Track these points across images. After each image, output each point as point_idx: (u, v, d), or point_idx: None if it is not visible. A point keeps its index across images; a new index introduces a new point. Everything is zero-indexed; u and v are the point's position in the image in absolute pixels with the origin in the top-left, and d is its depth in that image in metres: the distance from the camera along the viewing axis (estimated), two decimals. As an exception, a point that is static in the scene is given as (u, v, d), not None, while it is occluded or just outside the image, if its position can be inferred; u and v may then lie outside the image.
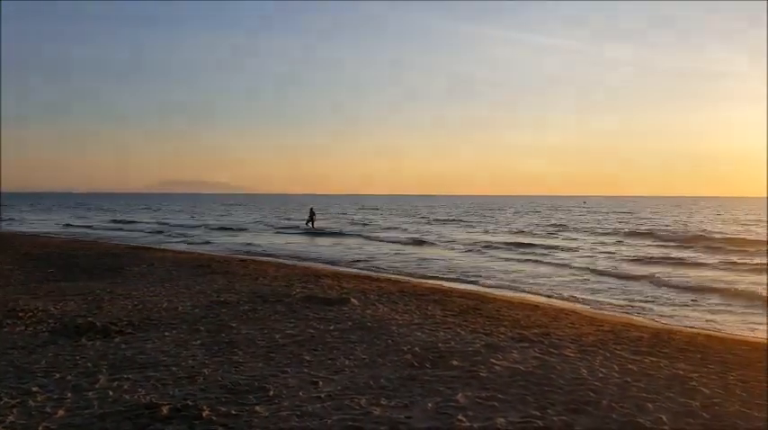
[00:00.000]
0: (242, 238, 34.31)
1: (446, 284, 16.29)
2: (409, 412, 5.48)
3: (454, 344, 8.20)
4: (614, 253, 26.04)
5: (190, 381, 6.33)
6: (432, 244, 31.13)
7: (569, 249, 27.91)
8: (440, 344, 8.09)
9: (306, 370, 6.78)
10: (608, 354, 8.02)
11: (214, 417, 5.29)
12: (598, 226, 47.25)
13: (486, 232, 40.66)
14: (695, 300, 14.55)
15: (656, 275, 18.51)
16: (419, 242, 31.92)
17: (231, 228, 43.37)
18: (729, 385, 6.69)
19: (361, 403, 5.67)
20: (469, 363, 7.17)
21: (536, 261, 23.06)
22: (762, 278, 18.22)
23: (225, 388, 6.12)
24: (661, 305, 13.94)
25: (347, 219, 59.78)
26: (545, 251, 26.87)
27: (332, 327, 9.05)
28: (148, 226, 46.25)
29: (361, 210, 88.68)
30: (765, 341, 10.12)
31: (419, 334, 8.76)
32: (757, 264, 21.78)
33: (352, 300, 11.43)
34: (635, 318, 12.24)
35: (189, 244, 29.88)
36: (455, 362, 7.18)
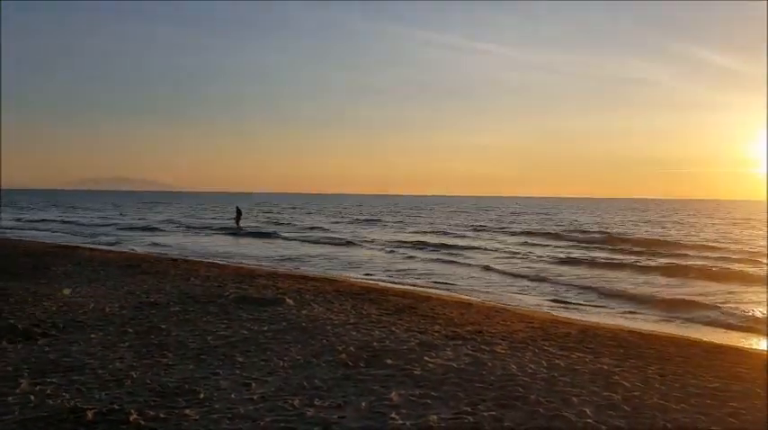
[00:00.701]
0: (153, 238, 32.83)
1: (381, 284, 16.42)
2: (343, 412, 5.49)
3: (389, 342, 8.26)
4: (530, 253, 26.64)
5: (117, 385, 6.14)
6: (356, 244, 30.84)
7: (486, 249, 28.41)
8: (375, 344, 8.14)
9: (238, 371, 6.69)
10: (537, 350, 8.27)
11: (142, 422, 5.15)
12: (519, 226, 48.26)
13: (407, 232, 40.66)
14: (605, 299, 15.18)
15: (567, 276, 19.10)
16: (346, 242, 31.59)
17: (143, 228, 41.46)
18: (649, 378, 7.01)
19: (295, 404, 5.64)
20: (404, 362, 7.24)
21: (451, 261, 23.31)
22: (667, 280, 19.02)
23: (153, 391, 5.96)
24: (575, 303, 14.49)
25: (270, 218, 58.26)
26: (461, 251, 27.23)
27: (266, 328, 8.96)
28: (54, 224, 43.87)
29: (287, 209, 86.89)
30: (680, 336, 10.66)
31: (354, 333, 8.78)
32: (665, 263, 22.84)
33: (288, 300, 11.34)
34: (562, 314, 12.66)
35: (94, 244, 28.14)
36: (389, 361, 7.24)
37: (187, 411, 5.41)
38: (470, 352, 7.95)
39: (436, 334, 9.02)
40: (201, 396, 5.83)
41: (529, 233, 40.26)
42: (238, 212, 44.77)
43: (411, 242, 31.74)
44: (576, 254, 26.62)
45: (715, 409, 5.89)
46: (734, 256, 25.71)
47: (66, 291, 11.71)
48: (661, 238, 35.02)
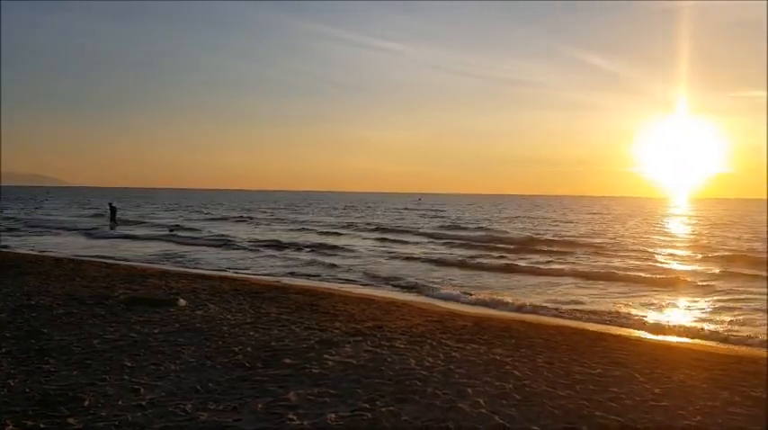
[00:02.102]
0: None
1: (284, 281, 16.24)
2: (238, 415, 5.35)
3: (288, 341, 8.15)
4: (394, 251, 26.12)
5: (-9, 395, 5.68)
6: (227, 244, 28.17)
7: (355, 247, 27.69)
8: (273, 343, 8.01)
9: (126, 377, 6.37)
10: (435, 343, 8.44)
11: (18, 434, 4.79)
12: (402, 223, 47.20)
13: (276, 230, 38.77)
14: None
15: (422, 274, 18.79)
16: (223, 243, 28.64)
17: None
18: (538, 367, 7.33)
19: (187, 409, 5.44)
20: (302, 360, 7.17)
21: (313, 260, 22.25)
22: (528, 278, 18.90)
23: (33, 399, 5.56)
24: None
25: (138, 215, 52.87)
26: (327, 250, 26.06)
27: (157, 330, 8.59)
28: None
29: (162, 206, 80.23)
30: (566, 325, 11.21)
31: (252, 333, 8.60)
32: (534, 262, 22.64)
33: (181, 300, 10.93)
34: (460, 307, 13.01)
35: None
36: (288, 361, 7.14)
37: (70, 420, 5.10)
38: (370, 348, 7.99)
39: (337, 331, 9.00)
40: (86, 403, 5.50)
41: (404, 232, 39.08)
42: (112, 210, 41.21)
43: (274, 241, 29.63)
44: (443, 252, 26.13)
45: (597, 394, 6.25)
46: (609, 251, 26.85)
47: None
48: (535, 236, 34.66)
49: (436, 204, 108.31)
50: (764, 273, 19.00)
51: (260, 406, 5.57)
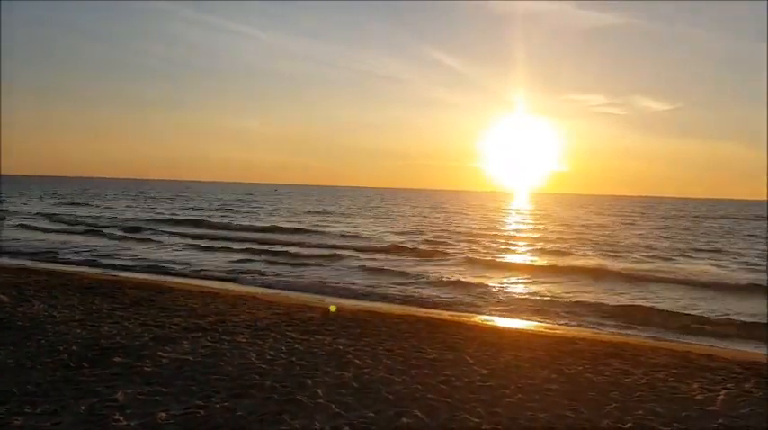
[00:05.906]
0: None
1: (122, 275, 15.33)
2: (58, 418, 4.97)
3: (119, 339, 7.70)
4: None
5: None
6: None
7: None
8: (102, 341, 7.53)
9: (-73, 384, 5.70)
10: (279, 336, 8.39)
11: None
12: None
13: None
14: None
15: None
16: None
17: None
18: (378, 355, 7.55)
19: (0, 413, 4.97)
20: (134, 358, 6.81)
21: None
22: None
23: None
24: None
25: None
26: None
27: (-30, 331, 7.76)
28: None
29: None
30: (410, 313, 11.64)
31: (79, 331, 8.02)
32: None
33: (1, 296, 9.95)
34: (308, 297, 13.04)
35: None
36: (118, 359, 6.75)
37: None
38: (209, 343, 7.77)
39: (175, 327, 8.65)
40: None
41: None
42: None
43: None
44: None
45: (431, 378, 6.56)
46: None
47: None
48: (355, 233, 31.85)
49: (278, 196, 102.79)
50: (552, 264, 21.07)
51: (83, 407, 5.21)
